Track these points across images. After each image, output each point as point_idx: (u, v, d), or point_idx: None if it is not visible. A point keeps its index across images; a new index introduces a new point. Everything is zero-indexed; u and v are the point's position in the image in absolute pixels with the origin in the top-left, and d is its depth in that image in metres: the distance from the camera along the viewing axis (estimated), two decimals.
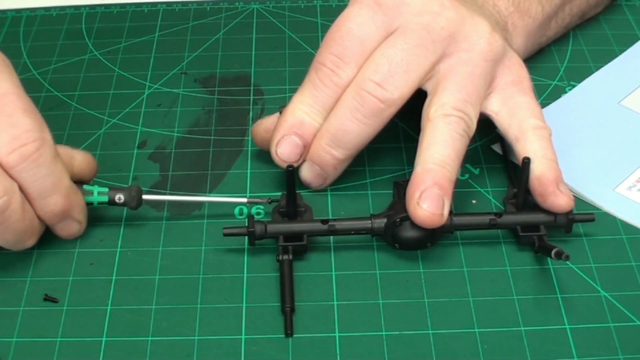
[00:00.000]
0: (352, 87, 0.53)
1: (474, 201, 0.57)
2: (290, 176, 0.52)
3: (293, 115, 0.55)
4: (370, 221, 0.53)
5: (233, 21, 0.73)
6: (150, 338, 0.49)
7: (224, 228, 0.52)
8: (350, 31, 0.54)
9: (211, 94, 0.66)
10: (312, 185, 0.56)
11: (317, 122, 0.54)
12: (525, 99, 0.55)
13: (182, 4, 0.74)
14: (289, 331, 0.49)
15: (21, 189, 0.49)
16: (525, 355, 0.48)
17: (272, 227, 0.52)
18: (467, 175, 0.58)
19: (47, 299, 0.51)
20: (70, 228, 0.53)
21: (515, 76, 0.55)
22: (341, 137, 0.54)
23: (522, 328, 0.49)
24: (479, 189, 0.58)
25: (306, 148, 0.55)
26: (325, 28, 0.67)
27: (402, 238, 0.52)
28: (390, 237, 0.53)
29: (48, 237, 0.54)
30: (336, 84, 0.54)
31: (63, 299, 0.51)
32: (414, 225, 0.51)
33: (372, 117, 0.53)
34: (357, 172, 0.58)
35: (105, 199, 0.54)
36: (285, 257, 0.51)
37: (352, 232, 0.53)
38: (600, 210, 0.56)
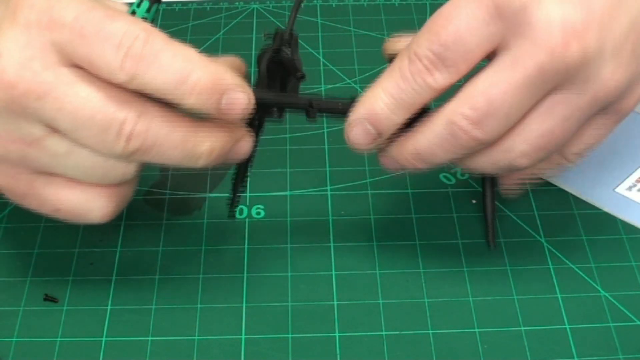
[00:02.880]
0: (445, 116, 0.47)
1: (474, 201, 0.57)
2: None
3: (372, 105, 0.48)
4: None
5: (233, 21, 0.73)
6: (150, 338, 0.49)
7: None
8: (457, 32, 0.46)
9: None
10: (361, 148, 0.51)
11: (396, 116, 0.48)
12: None
13: (182, 4, 0.74)
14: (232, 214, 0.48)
15: (154, 95, 0.44)
16: (525, 355, 0.48)
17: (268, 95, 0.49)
18: (467, 175, 0.58)
19: (47, 299, 0.51)
20: (239, 102, 0.46)
21: None
22: (427, 158, 0.49)
23: (522, 328, 0.49)
24: (479, 189, 0.58)
25: (380, 137, 0.49)
26: (326, 28, 0.67)
27: None
28: None
29: (48, 237, 0.54)
30: (429, 86, 0.47)
31: (63, 299, 0.51)
32: None
33: (462, 150, 0.48)
34: (357, 172, 0.58)
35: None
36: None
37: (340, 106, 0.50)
38: (601, 210, 0.56)
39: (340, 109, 0.49)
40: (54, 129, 0.45)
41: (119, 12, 0.45)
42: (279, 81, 0.49)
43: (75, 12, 0.44)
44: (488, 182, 0.54)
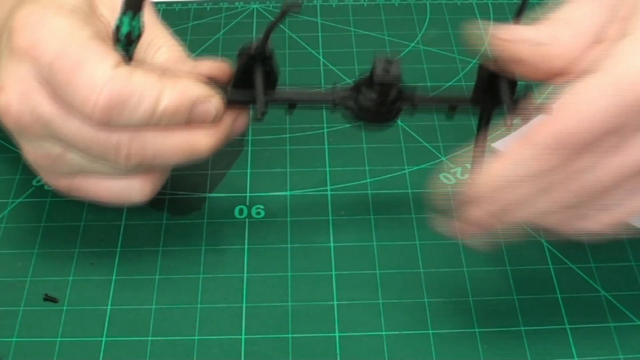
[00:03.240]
0: (577, 190, 0.44)
1: None
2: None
3: (495, 178, 0.44)
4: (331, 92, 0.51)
5: (233, 21, 0.73)
6: (150, 338, 0.49)
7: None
8: (592, 128, 0.42)
9: None
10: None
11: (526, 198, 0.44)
12: None
13: (182, 4, 0.74)
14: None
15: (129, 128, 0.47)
16: (525, 355, 0.48)
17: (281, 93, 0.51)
18: (467, 175, 0.58)
19: (47, 299, 0.51)
20: (206, 111, 0.48)
21: None
22: (533, 223, 0.46)
23: (522, 328, 0.49)
24: None
25: (500, 215, 0.46)
26: (326, 28, 0.67)
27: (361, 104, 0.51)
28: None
29: (48, 237, 0.54)
30: (567, 171, 0.43)
31: (63, 299, 0.51)
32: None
33: None
34: (357, 172, 0.58)
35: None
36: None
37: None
38: None
39: (317, 103, 0.52)
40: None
41: (94, 52, 0.46)
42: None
43: (54, 52, 0.46)
44: (483, 127, 0.53)
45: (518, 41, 0.46)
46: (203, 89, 0.48)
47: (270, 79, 0.50)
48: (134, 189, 0.50)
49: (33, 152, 0.49)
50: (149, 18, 0.50)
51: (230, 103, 0.50)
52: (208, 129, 0.49)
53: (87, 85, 0.45)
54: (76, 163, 0.49)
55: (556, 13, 0.46)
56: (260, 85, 0.49)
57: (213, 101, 0.48)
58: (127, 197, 0.50)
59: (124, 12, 0.47)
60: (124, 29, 0.47)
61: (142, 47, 0.50)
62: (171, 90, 0.47)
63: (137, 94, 0.46)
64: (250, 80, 0.50)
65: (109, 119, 0.46)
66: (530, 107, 0.49)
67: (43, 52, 0.46)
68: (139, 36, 0.47)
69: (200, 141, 0.49)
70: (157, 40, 0.51)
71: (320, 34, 0.70)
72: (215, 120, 0.49)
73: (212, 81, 0.50)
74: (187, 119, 0.48)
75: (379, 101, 0.50)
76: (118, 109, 0.46)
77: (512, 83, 0.50)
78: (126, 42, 0.47)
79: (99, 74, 0.46)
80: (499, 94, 0.50)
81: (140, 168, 0.49)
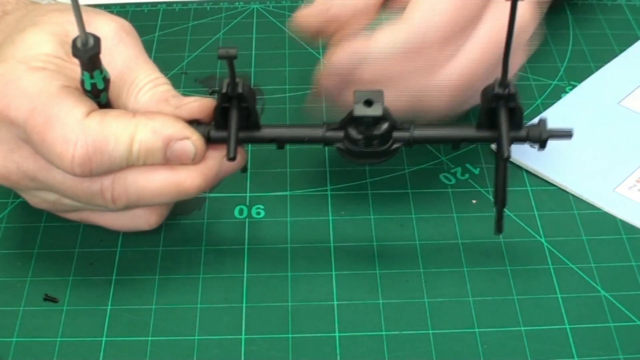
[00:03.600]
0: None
1: (474, 201, 0.57)
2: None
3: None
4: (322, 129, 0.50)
5: (233, 21, 0.73)
6: (150, 338, 0.49)
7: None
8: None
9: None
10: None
11: None
12: None
13: (182, 4, 0.74)
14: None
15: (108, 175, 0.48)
16: (525, 355, 0.48)
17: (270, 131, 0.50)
18: (467, 175, 0.58)
19: (47, 299, 0.51)
20: (184, 150, 0.48)
21: None
22: None
23: (522, 328, 0.49)
24: (479, 189, 0.58)
25: None
26: None
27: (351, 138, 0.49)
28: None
29: (48, 237, 0.54)
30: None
31: (63, 299, 0.51)
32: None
33: None
34: (357, 172, 0.58)
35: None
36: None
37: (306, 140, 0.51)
38: (601, 210, 0.56)
39: (306, 142, 0.51)
40: None
41: (64, 105, 0.46)
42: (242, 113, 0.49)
43: (25, 112, 0.46)
44: (501, 168, 0.50)
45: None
46: (179, 127, 0.48)
47: (251, 119, 0.49)
48: (139, 220, 0.51)
49: (31, 199, 0.51)
50: (132, 56, 0.50)
51: (212, 142, 0.49)
52: (193, 168, 0.48)
53: (61, 142, 0.46)
54: (74, 206, 0.50)
55: None
56: (234, 125, 0.48)
57: (191, 139, 0.48)
58: (134, 227, 0.51)
59: (82, 72, 0.46)
60: (87, 85, 0.46)
61: (124, 90, 0.49)
62: (143, 128, 0.47)
63: (113, 139, 0.46)
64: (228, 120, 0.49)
65: (91, 170, 0.46)
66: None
67: (15, 113, 0.46)
68: (105, 87, 0.47)
69: (185, 181, 0.48)
70: (139, 80, 0.50)
71: None
72: (197, 159, 0.48)
73: (194, 120, 0.49)
74: (165, 158, 0.47)
75: (365, 139, 0.49)
76: (97, 158, 0.46)
77: (513, 110, 0.48)
78: (93, 95, 0.47)
79: (70, 128, 0.46)
80: (498, 121, 0.48)
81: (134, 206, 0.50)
